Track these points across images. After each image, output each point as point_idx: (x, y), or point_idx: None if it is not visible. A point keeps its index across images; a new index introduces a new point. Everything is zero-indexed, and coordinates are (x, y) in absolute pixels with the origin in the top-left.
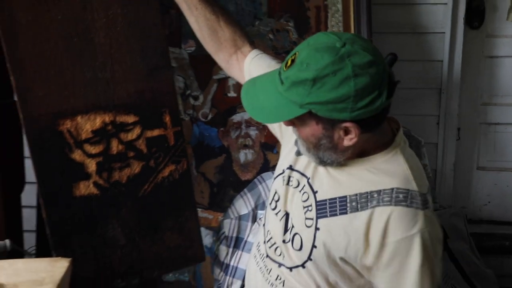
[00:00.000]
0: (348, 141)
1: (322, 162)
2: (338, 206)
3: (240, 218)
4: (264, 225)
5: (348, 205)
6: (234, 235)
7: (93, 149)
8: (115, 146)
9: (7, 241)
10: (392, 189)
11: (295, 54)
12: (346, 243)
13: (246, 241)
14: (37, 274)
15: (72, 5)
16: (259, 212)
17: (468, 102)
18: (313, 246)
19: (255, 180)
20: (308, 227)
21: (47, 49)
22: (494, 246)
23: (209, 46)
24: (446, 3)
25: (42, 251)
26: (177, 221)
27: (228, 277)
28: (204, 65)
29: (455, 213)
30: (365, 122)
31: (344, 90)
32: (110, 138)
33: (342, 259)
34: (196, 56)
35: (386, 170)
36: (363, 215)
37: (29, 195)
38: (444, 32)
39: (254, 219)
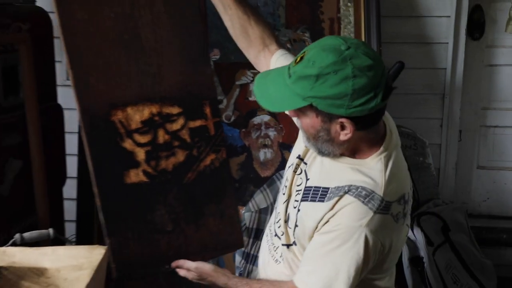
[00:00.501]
0: (344, 136)
1: (321, 153)
2: (319, 194)
3: (260, 211)
4: (275, 207)
5: (327, 195)
6: (254, 226)
7: (142, 139)
8: (162, 136)
9: (51, 230)
10: (360, 186)
11: (304, 52)
12: (316, 224)
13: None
14: (77, 260)
15: (122, 4)
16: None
17: (469, 107)
18: (295, 225)
19: (274, 176)
20: (294, 208)
21: (101, 44)
22: (493, 239)
23: (241, 42)
24: (449, 16)
25: (81, 239)
26: (218, 208)
27: (248, 265)
28: (227, 71)
29: (456, 208)
30: (359, 120)
31: (343, 88)
32: (157, 128)
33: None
34: (220, 64)
35: (366, 173)
36: (332, 201)
37: (69, 189)
38: (447, 43)
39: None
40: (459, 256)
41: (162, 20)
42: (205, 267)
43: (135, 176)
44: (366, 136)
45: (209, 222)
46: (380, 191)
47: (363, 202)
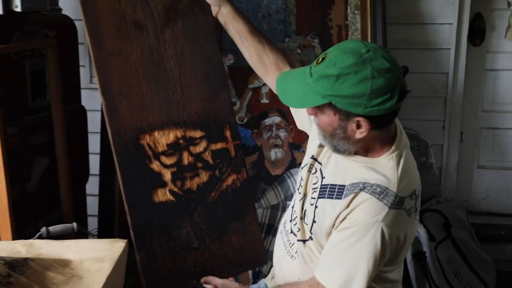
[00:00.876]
0: (359, 134)
1: (336, 150)
2: (335, 192)
3: (271, 207)
4: (292, 206)
5: (344, 192)
6: (266, 222)
7: (168, 160)
8: (186, 158)
9: (74, 224)
10: (375, 183)
11: (326, 53)
12: (333, 221)
13: (276, 228)
14: (99, 252)
15: (149, 39)
16: (288, 202)
17: (470, 109)
18: (313, 221)
19: (284, 175)
20: (311, 205)
21: (129, 75)
22: (492, 235)
23: (258, 70)
24: (451, 23)
25: (103, 233)
26: (241, 225)
27: None
28: (241, 75)
29: (458, 205)
30: (375, 119)
31: (362, 88)
32: (182, 150)
33: (330, 234)
34: (234, 68)
35: (379, 171)
36: (348, 199)
37: (92, 186)
38: (449, 48)
39: (284, 209)
40: (460, 251)
41: (185, 53)
42: (232, 285)
43: (163, 195)
44: (379, 135)
45: (233, 239)
46: (393, 187)
47: (378, 198)
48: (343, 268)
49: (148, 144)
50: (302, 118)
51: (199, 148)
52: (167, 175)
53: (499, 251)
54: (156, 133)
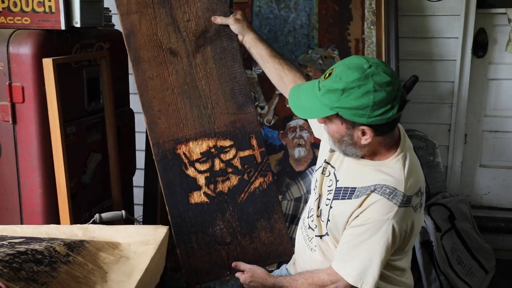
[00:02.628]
0: (364, 141)
1: (345, 154)
2: (348, 193)
3: (294, 200)
4: (309, 205)
5: (354, 193)
6: (290, 213)
7: (202, 167)
8: (218, 164)
9: (123, 212)
10: (384, 185)
11: (332, 69)
12: (347, 218)
13: (299, 218)
14: (144, 236)
15: (182, 63)
16: (309, 196)
17: (474, 114)
18: (328, 220)
19: (307, 171)
20: (327, 205)
21: (166, 95)
22: (492, 227)
23: (280, 87)
24: (457, 37)
25: (147, 220)
26: (269, 223)
27: None
28: (269, 82)
29: (461, 200)
30: (378, 127)
31: (365, 101)
32: (213, 158)
33: (344, 230)
34: (263, 76)
35: (387, 172)
36: (360, 199)
37: (138, 178)
38: (455, 60)
39: (305, 201)
40: (463, 241)
41: (214, 74)
42: (258, 269)
43: (198, 197)
44: (383, 140)
45: (262, 235)
46: (401, 187)
47: (388, 198)
48: (358, 260)
49: (184, 153)
50: (317, 128)
51: (229, 156)
52: (201, 179)
53: (498, 241)
54: (190, 143)
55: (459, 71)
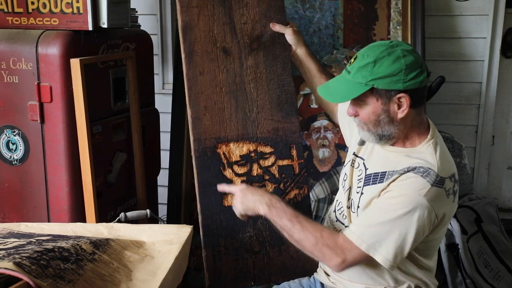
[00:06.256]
0: (401, 113)
1: (381, 138)
2: (379, 178)
3: (318, 200)
4: (337, 199)
5: (386, 176)
6: (314, 213)
7: (239, 170)
8: (256, 170)
9: (148, 211)
10: (417, 166)
11: (356, 55)
12: (379, 192)
13: (323, 218)
14: (168, 235)
15: (234, 63)
16: (333, 197)
17: (502, 115)
18: (358, 207)
19: (331, 171)
20: (357, 193)
21: (214, 92)
22: None
23: (323, 103)
24: (485, 37)
25: (171, 219)
26: None
27: None
28: (294, 83)
29: (488, 202)
30: (413, 94)
31: (398, 65)
32: (252, 163)
33: None
34: None
35: (420, 157)
36: (392, 178)
37: (163, 178)
38: (483, 60)
39: (330, 202)
40: (490, 244)
41: (263, 79)
42: (249, 187)
43: (232, 200)
44: (416, 119)
45: (291, 248)
46: (434, 168)
47: (421, 175)
48: (392, 239)
49: (224, 153)
50: (349, 136)
51: (267, 162)
52: (238, 182)
53: None
54: (231, 145)
55: (487, 72)
